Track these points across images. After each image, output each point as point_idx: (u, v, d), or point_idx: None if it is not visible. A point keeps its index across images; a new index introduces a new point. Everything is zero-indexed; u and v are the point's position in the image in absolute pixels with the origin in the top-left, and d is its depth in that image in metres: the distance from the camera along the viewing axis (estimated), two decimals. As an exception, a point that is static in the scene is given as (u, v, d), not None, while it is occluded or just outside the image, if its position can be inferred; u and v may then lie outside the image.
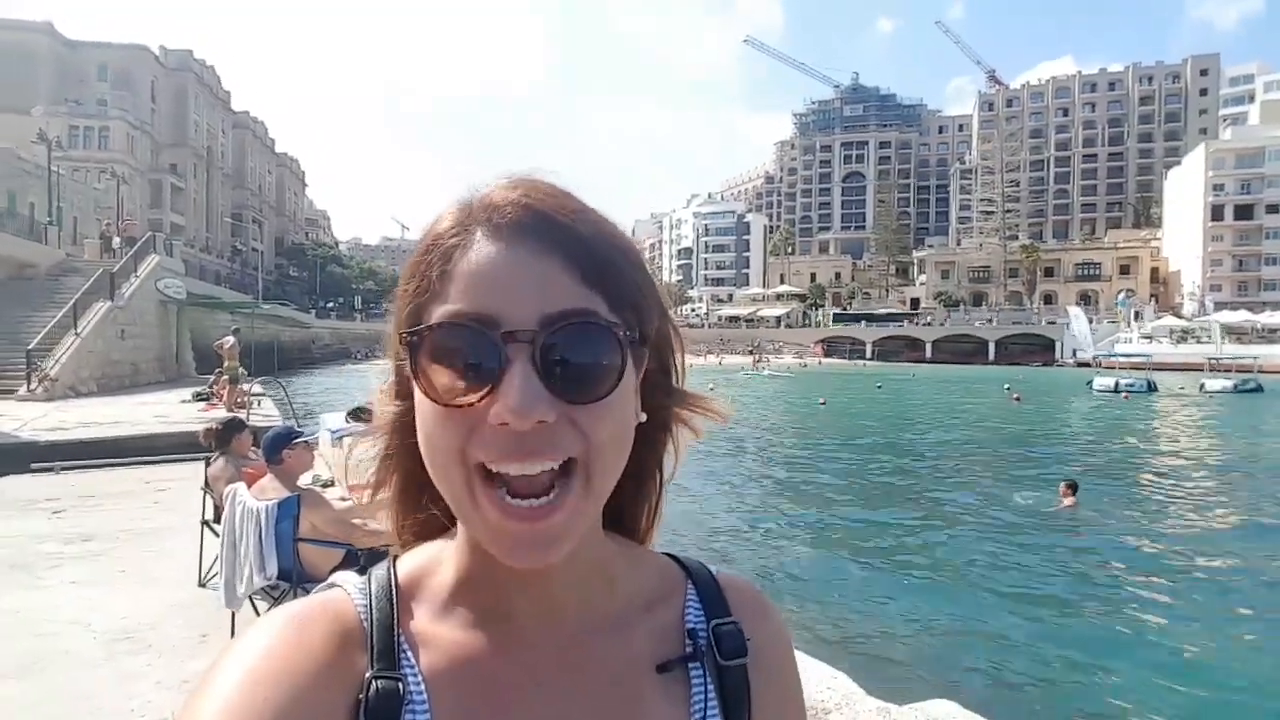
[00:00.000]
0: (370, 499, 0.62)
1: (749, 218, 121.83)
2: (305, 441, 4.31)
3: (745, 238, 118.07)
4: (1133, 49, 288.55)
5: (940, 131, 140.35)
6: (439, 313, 0.51)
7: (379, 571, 0.59)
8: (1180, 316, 69.55)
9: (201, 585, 5.15)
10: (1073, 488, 12.34)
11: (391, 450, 0.59)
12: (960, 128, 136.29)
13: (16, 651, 4.17)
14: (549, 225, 0.52)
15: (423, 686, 0.53)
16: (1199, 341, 55.82)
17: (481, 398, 0.49)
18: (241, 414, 11.47)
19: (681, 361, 0.63)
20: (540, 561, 0.50)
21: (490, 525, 0.50)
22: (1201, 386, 39.50)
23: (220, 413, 12.21)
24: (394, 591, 0.57)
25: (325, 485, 6.45)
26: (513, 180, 0.55)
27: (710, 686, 0.59)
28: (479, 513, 0.50)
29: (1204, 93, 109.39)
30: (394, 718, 0.51)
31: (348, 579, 0.59)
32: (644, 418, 0.57)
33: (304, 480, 4.49)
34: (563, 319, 0.50)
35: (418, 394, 0.52)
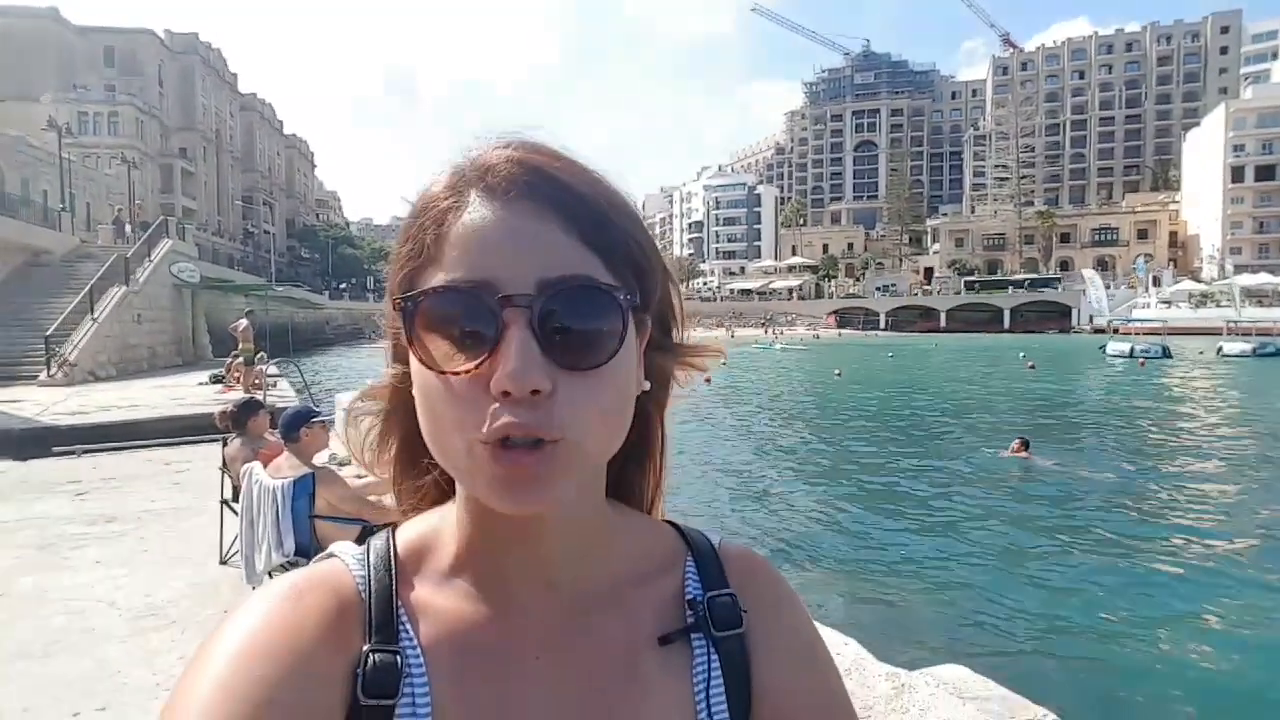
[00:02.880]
0: (377, 462, 0.61)
1: (760, 189, 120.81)
2: (322, 421, 4.36)
3: (756, 210, 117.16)
4: (1148, 7, 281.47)
5: (953, 97, 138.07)
6: (434, 278, 0.50)
7: (377, 542, 0.58)
8: (1199, 280, 68.59)
9: (223, 563, 5.25)
10: (1025, 444, 13.01)
11: (389, 413, 0.59)
12: (974, 93, 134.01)
13: (45, 629, 4.28)
14: (546, 184, 0.51)
15: (421, 659, 0.53)
16: (1218, 305, 55.01)
17: (479, 364, 0.47)
18: (258, 395, 11.59)
19: (681, 317, 0.61)
20: (534, 503, 0.48)
21: (485, 475, 0.48)
22: (1219, 351, 39.08)
23: (237, 395, 12.34)
24: (393, 562, 0.56)
25: (341, 464, 6.53)
26: (504, 140, 0.54)
27: (713, 657, 0.58)
28: (474, 466, 0.49)
29: (1224, 51, 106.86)
30: (392, 691, 0.50)
31: (346, 549, 0.58)
32: (647, 387, 0.56)
33: (320, 459, 4.54)
34: (561, 283, 0.48)
35: (414, 362, 0.51)
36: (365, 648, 0.51)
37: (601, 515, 0.59)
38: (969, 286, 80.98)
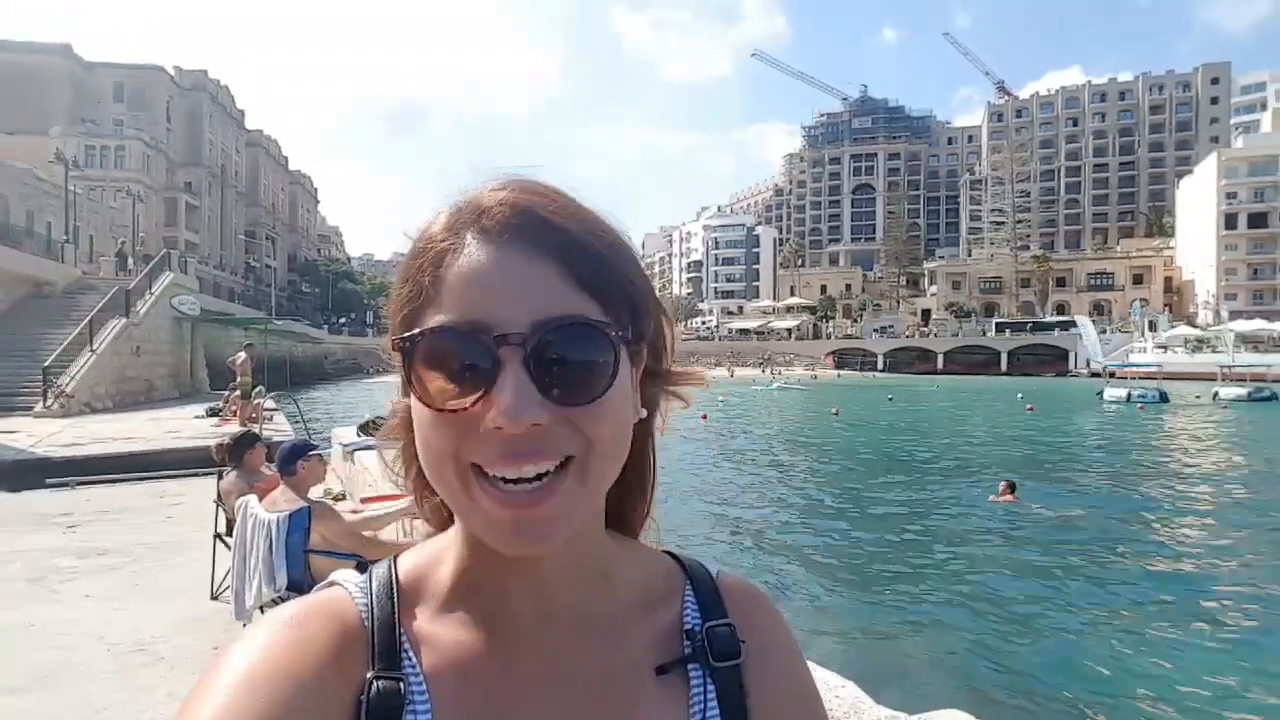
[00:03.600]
0: (409, 483, 0.63)
1: (758, 230, 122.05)
2: (318, 455, 4.35)
3: (755, 250, 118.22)
4: (1140, 58, 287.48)
5: (950, 143, 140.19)
6: (432, 318, 0.51)
7: (380, 570, 0.59)
8: (1195, 326, 68.95)
9: (214, 598, 5.19)
10: (1011, 487, 13.18)
11: (406, 442, 0.60)
12: (970, 138, 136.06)
13: (33, 663, 4.21)
14: (539, 226, 0.52)
15: (424, 687, 0.53)
16: (1214, 351, 55.22)
17: (475, 401, 0.49)
18: (255, 429, 11.56)
19: (671, 346, 0.62)
20: (535, 547, 0.50)
21: (486, 516, 0.49)
22: (1215, 396, 39.15)
23: (234, 428, 12.30)
24: (395, 590, 0.57)
25: (337, 498, 6.50)
26: (501, 181, 0.55)
27: (710, 688, 0.59)
28: (475, 505, 0.50)
29: (1215, 101, 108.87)
30: (395, 718, 0.51)
31: (348, 577, 0.58)
32: (644, 414, 0.57)
33: (316, 493, 4.52)
34: (555, 321, 0.49)
35: (413, 400, 0.52)
36: (369, 675, 0.52)
37: (601, 545, 0.60)
38: (1000, 329, 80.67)
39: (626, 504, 0.65)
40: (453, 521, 0.61)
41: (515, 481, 0.49)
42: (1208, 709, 5.92)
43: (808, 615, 7.86)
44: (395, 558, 0.61)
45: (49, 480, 10.17)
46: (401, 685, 0.52)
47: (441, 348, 0.50)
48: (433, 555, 0.60)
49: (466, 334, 0.49)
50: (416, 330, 0.51)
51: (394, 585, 0.57)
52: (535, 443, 0.49)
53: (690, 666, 0.59)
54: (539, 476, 0.49)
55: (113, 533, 7.34)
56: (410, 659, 0.54)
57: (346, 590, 0.57)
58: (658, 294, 0.59)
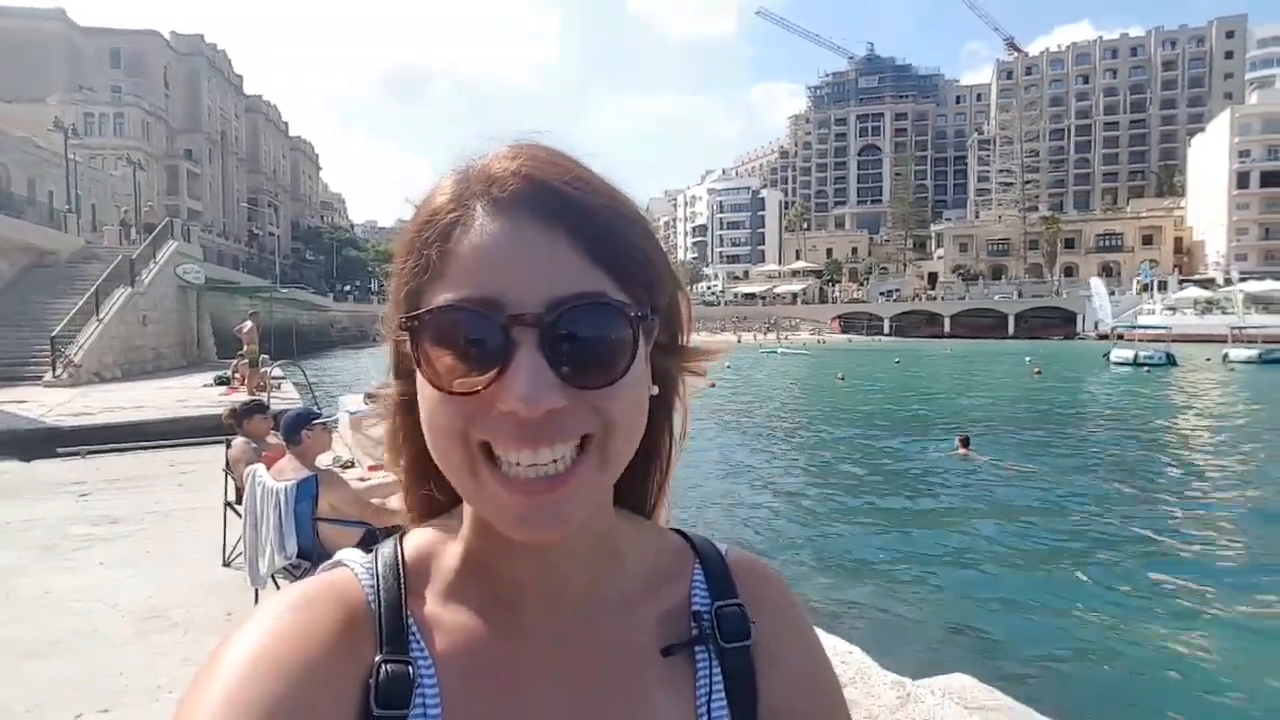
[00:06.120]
0: (393, 468, 0.61)
1: (764, 193, 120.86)
2: (324, 423, 4.36)
3: (760, 214, 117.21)
4: (1149, 12, 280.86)
5: (958, 102, 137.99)
6: (440, 296, 0.49)
7: (385, 550, 0.58)
8: (1205, 287, 68.38)
9: (225, 565, 5.25)
10: (965, 441, 13.99)
11: (398, 428, 0.58)
12: (978, 97, 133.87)
13: (48, 630, 4.27)
14: (552, 198, 0.50)
15: (433, 670, 0.52)
16: (1224, 312, 54.82)
17: (488, 384, 0.47)
18: (262, 397, 11.60)
19: (688, 322, 0.60)
20: (549, 535, 0.49)
21: (496, 502, 0.48)
22: (1225, 358, 38.96)
23: (242, 396, 12.36)
24: (401, 571, 0.56)
25: (344, 466, 6.53)
26: (512, 148, 0.53)
27: (715, 670, 0.58)
28: (483, 490, 0.48)
29: (1229, 55, 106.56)
30: (404, 703, 0.50)
31: (353, 557, 0.57)
32: (656, 390, 0.55)
33: (323, 461, 4.54)
34: (571, 301, 0.47)
35: (420, 380, 0.50)
36: (377, 658, 0.51)
37: (610, 525, 0.58)
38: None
39: (639, 482, 0.63)
40: (440, 512, 0.60)
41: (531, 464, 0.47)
42: (1205, 667, 5.98)
43: (813, 582, 7.92)
44: (401, 536, 0.60)
45: (60, 449, 10.26)
46: (410, 669, 0.51)
47: (451, 327, 0.48)
48: (438, 534, 0.58)
49: (478, 313, 0.47)
50: (424, 309, 0.49)
51: (400, 566, 0.56)
52: (551, 428, 0.47)
53: (697, 649, 0.58)
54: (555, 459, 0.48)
55: (124, 500, 7.42)
56: (418, 641, 0.53)
57: (352, 571, 0.56)
58: (672, 267, 0.57)
